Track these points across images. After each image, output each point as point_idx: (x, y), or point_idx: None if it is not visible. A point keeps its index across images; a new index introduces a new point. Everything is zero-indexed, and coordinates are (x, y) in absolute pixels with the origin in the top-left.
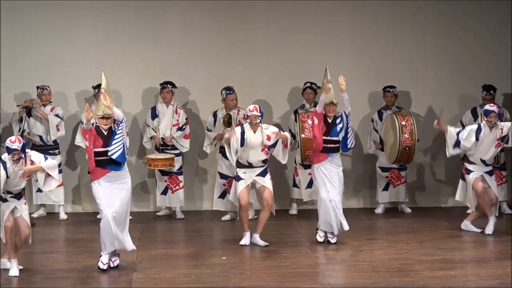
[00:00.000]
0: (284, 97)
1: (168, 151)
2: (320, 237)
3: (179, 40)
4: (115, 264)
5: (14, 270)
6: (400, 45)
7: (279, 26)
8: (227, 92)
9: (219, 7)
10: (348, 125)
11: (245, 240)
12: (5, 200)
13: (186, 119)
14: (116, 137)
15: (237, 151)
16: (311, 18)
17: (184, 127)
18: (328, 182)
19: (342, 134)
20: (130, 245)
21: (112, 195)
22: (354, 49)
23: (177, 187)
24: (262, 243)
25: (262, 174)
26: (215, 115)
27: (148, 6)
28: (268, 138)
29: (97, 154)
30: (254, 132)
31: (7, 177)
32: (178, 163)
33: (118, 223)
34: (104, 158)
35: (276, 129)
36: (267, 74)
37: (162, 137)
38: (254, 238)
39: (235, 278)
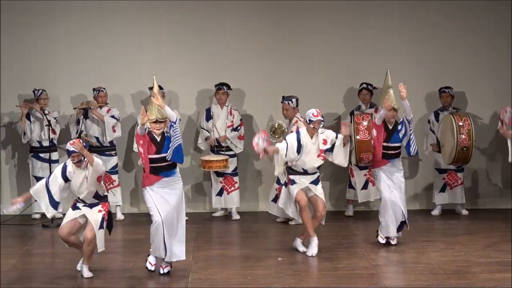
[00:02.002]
0: (340, 98)
1: (222, 153)
2: (382, 238)
3: (235, 42)
4: (165, 270)
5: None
6: (456, 46)
7: (334, 27)
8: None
9: (275, 9)
10: (411, 132)
11: (312, 249)
12: (77, 208)
13: (241, 120)
14: (172, 140)
15: (286, 162)
16: (366, 20)
17: (238, 128)
18: (391, 182)
19: (405, 140)
20: (179, 256)
21: (164, 201)
22: (410, 50)
23: (233, 188)
24: (302, 249)
25: (315, 182)
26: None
27: (204, 8)
28: (324, 142)
29: (150, 160)
30: (311, 138)
31: (68, 180)
32: (233, 164)
33: (170, 229)
34: (157, 165)
35: (332, 133)
36: (322, 75)
37: (216, 138)
38: (295, 242)
39: (290, 279)
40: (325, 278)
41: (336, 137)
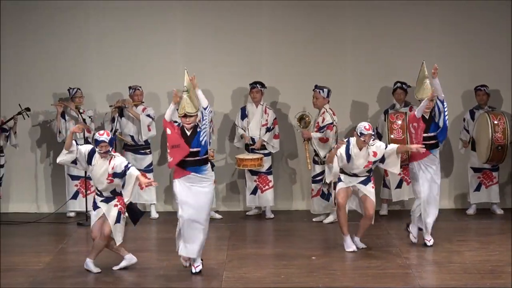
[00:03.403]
0: (374, 97)
1: (257, 151)
2: (414, 237)
3: (269, 40)
4: (197, 270)
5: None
6: (492, 44)
7: (368, 26)
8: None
9: (309, 7)
10: (445, 112)
11: (348, 245)
12: (96, 207)
13: (275, 119)
14: (201, 134)
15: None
16: (400, 17)
17: (272, 127)
18: (430, 176)
19: (440, 121)
20: (190, 253)
21: (190, 198)
22: (444, 48)
23: (267, 187)
24: (361, 245)
25: (364, 182)
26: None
27: (237, 7)
28: (375, 154)
29: None
30: (360, 150)
31: (90, 164)
32: (267, 163)
33: (193, 228)
34: (186, 159)
35: (382, 144)
36: (356, 73)
37: (252, 137)
38: (355, 241)
39: (324, 278)
40: (359, 277)
41: (386, 148)
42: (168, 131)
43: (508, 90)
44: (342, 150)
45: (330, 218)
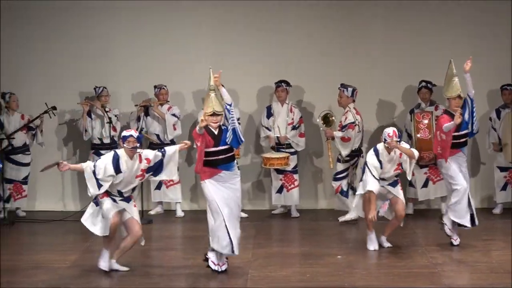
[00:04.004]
0: (399, 96)
1: (283, 150)
2: (450, 230)
3: (294, 39)
4: (223, 268)
5: (106, 263)
6: None
7: (394, 25)
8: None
9: (335, 6)
10: (473, 109)
11: (372, 242)
12: (114, 201)
13: (301, 117)
14: (229, 130)
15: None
16: (426, 16)
17: (298, 126)
18: (461, 172)
19: (468, 118)
20: (236, 250)
21: (224, 196)
22: (470, 48)
23: (292, 186)
24: (387, 244)
25: (393, 184)
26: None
27: (263, 6)
28: (401, 155)
29: (208, 154)
30: (389, 153)
31: (120, 172)
32: (293, 161)
33: (232, 224)
34: (215, 158)
35: (407, 145)
36: (381, 72)
37: (277, 136)
38: (381, 240)
39: (349, 277)
40: (385, 276)
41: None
42: (199, 144)
43: None
44: (373, 161)
45: (347, 217)
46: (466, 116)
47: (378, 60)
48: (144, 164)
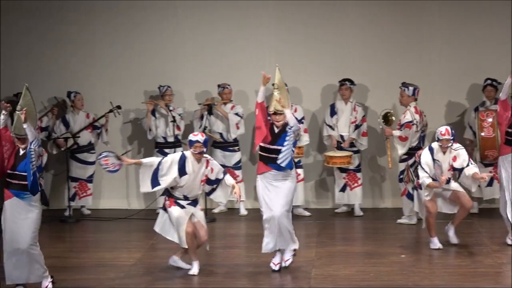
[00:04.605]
0: (463, 95)
1: (346, 149)
2: (510, 239)
3: (357, 37)
4: (287, 264)
5: (195, 269)
6: None
7: (457, 23)
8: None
9: (397, 5)
10: None
11: (434, 244)
12: (182, 207)
13: (364, 116)
14: (287, 138)
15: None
16: (489, 14)
17: (360, 124)
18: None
19: None
20: (283, 246)
21: (271, 197)
22: None
23: (356, 184)
24: (455, 239)
25: (448, 181)
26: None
27: (327, 6)
28: (454, 159)
29: (263, 149)
30: (444, 153)
31: (185, 173)
32: (356, 160)
33: (275, 222)
34: (269, 155)
35: (465, 155)
36: (445, 71)
37: (340, 135)
38: (450, 232)
39: (414, 277)
40: (449, 275)
41: (467, 165)
42: (257, 112)
43: None
44: (427, 158)
45: (404, 221)
46: None
47: (442, 58)
48: (209, 171)
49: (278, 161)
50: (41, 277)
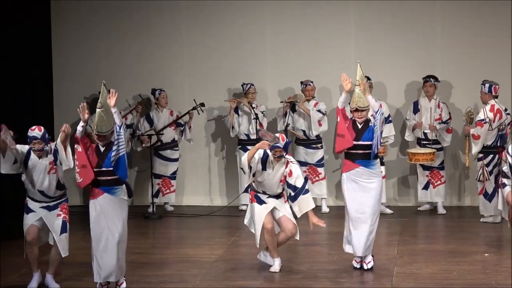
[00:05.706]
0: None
1: (429, 146)
2: None
3: (443, 34)
4: (369, 266)
5: (276, 266)
6: None
7: (487, 21)
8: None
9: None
10: None
11: None
12: (262, 202)
13: (450, 113)
14: (375, 129)
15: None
16: None
17: (448, 121)
18: None
19: None
20: (358, 251)
21: (357, 194)
22: None
23: (439, 182)
24: None
25: None
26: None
27: (409, 5)
28: None
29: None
30: None
31: (265, 169)
32: (440, 157)
33: (359, 224)
34: (355, 151)
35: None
36: None
37: (424, 132)
38: None
39: (497, 276)
40: None
41: None
42: (338, 118)
43: None
44: (507, 157)
45: (488, 219)
46: None
47: None
48: (287, 172)
49: (374, 140)
50: (123, 274)
